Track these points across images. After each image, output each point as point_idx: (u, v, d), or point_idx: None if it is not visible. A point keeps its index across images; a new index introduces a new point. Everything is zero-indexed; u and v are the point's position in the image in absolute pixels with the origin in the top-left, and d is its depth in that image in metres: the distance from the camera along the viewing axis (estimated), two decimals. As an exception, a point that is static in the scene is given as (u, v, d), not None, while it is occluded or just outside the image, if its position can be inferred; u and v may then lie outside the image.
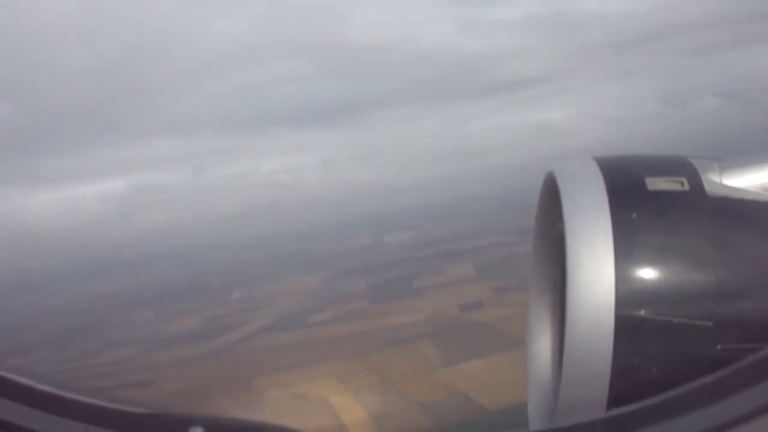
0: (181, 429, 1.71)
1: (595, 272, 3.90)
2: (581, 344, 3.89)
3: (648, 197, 4.13)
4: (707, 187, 4.18)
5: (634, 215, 4.03)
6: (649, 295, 3.92)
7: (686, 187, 4.16)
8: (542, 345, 5.15)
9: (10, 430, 1.83)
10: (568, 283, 3.99)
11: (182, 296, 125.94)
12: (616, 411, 2.28)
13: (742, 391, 1.84)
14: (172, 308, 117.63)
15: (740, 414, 1.78)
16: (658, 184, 4.18)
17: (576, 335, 3.90)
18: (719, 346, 3.86)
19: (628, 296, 3.88)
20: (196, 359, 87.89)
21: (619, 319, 3.86)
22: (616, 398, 3.81)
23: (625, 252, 3.94)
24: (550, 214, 4.66)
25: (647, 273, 3.95)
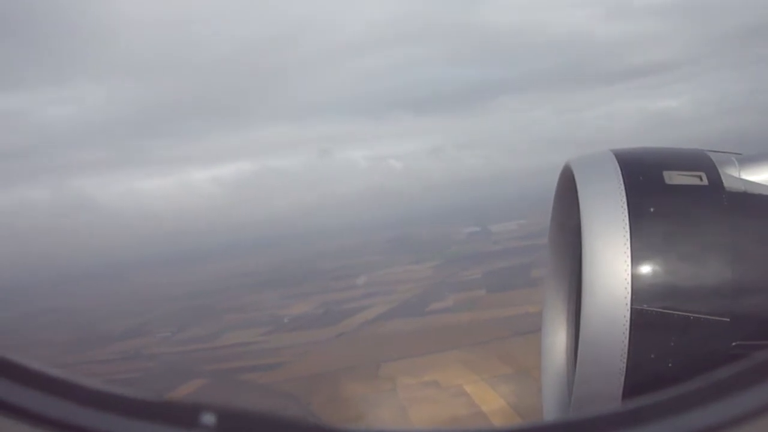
0: (192, 416, 1.70)
1: (611, 266, 3.88)
2: (596, 338, 3.87)
3: (666, 191, 4.09)
4: (725, 182, 4.13)
5: (652, 209, 3.99)
6: (665, 289, 3.87)
7: (704, 181, 4.12)
8: (557, 337, 5.15)
9: (16, 412, 1.77)
10: (583, 276, 3.96)
11: (298, 280, 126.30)
12: (630, 403, 2.04)
13: (757, 387, 1.81)
14: (289, 292, 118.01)
15: (752, 409, 1.76)
16: (676, 178, 4.13)
17: (591, 328, 3.88)
18: (735, 342, 3.82)
19: (643, 290, 3.84)
20: (320, 343, 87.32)
21: (634, 313, 3.82)
22: (630, 392, 3.81)
23: (642, 246, 3.90)
24: (567, 207, 4.63)
25: (664, 267, 3.90)
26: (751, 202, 4.14)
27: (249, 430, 1.76)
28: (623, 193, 4.03)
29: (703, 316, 3.84)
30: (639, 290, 3.85)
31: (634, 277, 3.86)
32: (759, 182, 4.23)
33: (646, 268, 3.88)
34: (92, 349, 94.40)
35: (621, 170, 4.16)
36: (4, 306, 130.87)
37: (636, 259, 3.88)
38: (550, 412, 4.94)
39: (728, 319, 3.83)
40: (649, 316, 3.84)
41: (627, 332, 3.82)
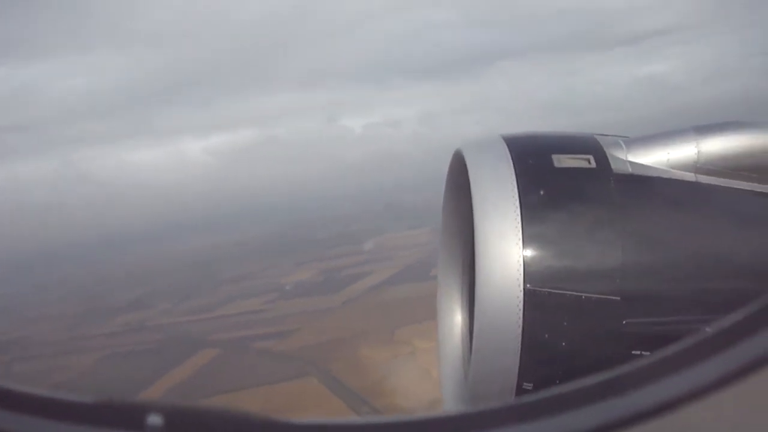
0: (137, 417, 1.68)
1: (503, 248, 3.92)
2: (491, 320, 3.90)
3: (555, 174, 4.14)
4: (613, 164, 4.21)
5: (542, 192, 4.04)
6: (557, 270, 3.94)
7: (592, 164, 4.18)
8: (453, 321, 5.16)
9: None
10: (477, 260, 3.99)
11: (296, 248, 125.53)
12: (531, 397, 2.27)
13: (670, 375, 1.87)
14: (287, 260, 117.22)
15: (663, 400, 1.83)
16: (564, 161, 4.18)
17: (486, 311, 3.91)
18: (626, 320, 3.90)
19: (536, 272, 3.90)
20: (327, 310, 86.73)
21: (527, 294, 3.87)
22: (526, 372, 3.88)
23: (533, 228, 3.95)
24: (459, 192, 4.60)
25: (555, 249, 3.97)
26: (637, 183, 4.23)
27: (197, 427, 1.73)
28: (513, 176, 4.10)
29: (594, 296, 3.91)
30: (531, 272, 3.91)
31: (526, 259, 3.93)
32: (645, 164, 4.32)
33: (537, 250, 3.95)
34: (97, 322, 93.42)
35: (511, 154, 4.22)
36: (7, 281, 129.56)
37: (527, 241, 3.95)
38: (447, 392, 4.97)
39: (619, 298, 3.91)
40: (541, 296, 3.90)
41: (521, 313, 3.88)
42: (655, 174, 4.31)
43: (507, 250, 3.93)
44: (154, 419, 1.64)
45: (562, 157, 4.21)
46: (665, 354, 1.93)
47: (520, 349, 3.88)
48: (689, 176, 4.35)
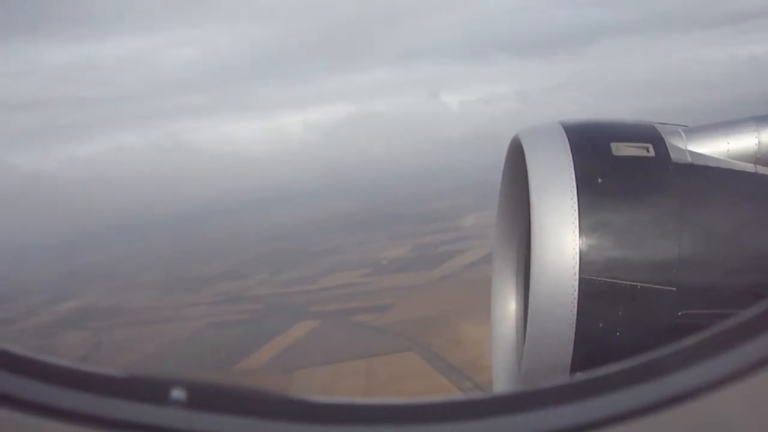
0: (161, 392, 1.75)
1: (559, 237, 3.92)
2: (545, 308, 3.92)
3: (613, 162, 4.15)
4: (672, 154, 4.19)
5: (599, 180, 4.05)
6: (613, 260, 3.94)
7: (651, 152, 4.17)
8: (507, 308, 5.18)
9: None
10: (532, 248, 4.01)
11: (390, 223, 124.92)
12: (583, 375, 2.18)
13: (712, 358, 1.91)
14: (382, 234, 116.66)
15: (707, 381, 1.85)
16: (623, 149, 4.19)
17: (540, 299, 3.93)
18: (681, 312, 3.90)
19: (591, 261, 3.91)
20: (424, 286, 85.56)
21: (582, 283, 3.88)
22: (579, 362, 3.88)
23: (590, 217, 3.96)
24: (516, 179, 4.61)
25: (611, 238, 3.97)
26: (696, 172, 4.17)
27: (218, 403, 1.79)
28: (571, 164, 4.04)
29: (650, 286, 3.87)
30: (587, 260, 3.87)
31: (582, 248, 3.88)
32: (704, 154, 4.24)
33: (593, 239, 3.90)
34: (191, 292, 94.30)
35: (569, 142, 4.15)
36: (101, 248, 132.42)
37: (584, 230, 3.90)
38: (499, 381, 4.91)
39: (674, 289, 3.87)
40: (597, 285, 3.87)
41: (575, 302, 3.84)
42: (714, 164, 4.24)
43: (563, 239, 3.88)
44: (178, 393, 1.72)
45: (620, 145, 4.16)
46: (697, 340, 1.96)
47: (573, 338, 3.84)
48: (749, 167, 4.28)
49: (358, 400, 1.95)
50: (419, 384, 55.85)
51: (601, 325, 3.89)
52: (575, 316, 3.85)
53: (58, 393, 1.73)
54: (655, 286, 3.90)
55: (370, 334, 70.94)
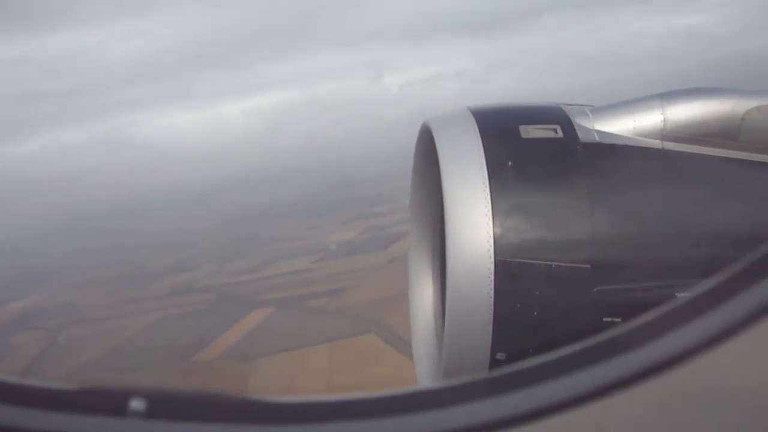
0: (119, 403, 1.68)
1: (473, 221, 3.98)
2: (463, 292, 3.95)
3: (522, 145, 4.20)
4: (580, 134, 4.26)
5: (510, 163, 4.09)
6: (527, 241, 4.01)
7: (559, 134, 4.23)
8: (424, 294, 5.28)
9: None
10: (446, 233, 4.03)
11: (336, 208, 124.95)
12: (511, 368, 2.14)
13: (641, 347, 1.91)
14: (328, 220, 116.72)
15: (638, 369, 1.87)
16: (531, 131, 4.23)
17: (457, 284, 3.97)
18: (596, 288, 3.97)
19: (505, 243, 3.96)
20: (376, 268, 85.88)
21: (498, 265, 3.94)
22: (499, 342, 3.96)
23: (502, 200, 4.01)
24: (427, 165, 4.64)
25: (524, 219, 4.02)
26: (604, 151, 4.26)
27: (179, 410, 1.74)
28: (481, 149, 4.13)
29: (564, 264, 3.96)
30: (501, 243, 3.96)
31: (496, 231, 3.97)
32: (611, 132, 4.35)
33: (506, 221, 3.99)
34: (142, 286, 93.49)
35: (478, 127, 4.26)
36: (47, 247, 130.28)
37: (496, 212, 3.99)
38: (421, 365, 4.99)
39: (589, 266, 3.97)
40: (512, 267, 3.96)
41: (492, 284, 3.92)
42: (621, 142, 4.33)
43: (476, 223, 3.97)
44: (137, 404, 1.66)
45: (529, 128, 4.26)
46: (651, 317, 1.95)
47: (492, 319, 3.93)
48: (656, 143, 4.36)
49: (318, 397, 1.96)
50: (382, 365, 56.17)
51: (518, 305, 3.99)
52: (492, 298, 3.94)
53: (8, 411, 1.67)
54: (569, 265, 3.98)
55: (326, 319, 71.03)
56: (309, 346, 64.06)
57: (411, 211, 5.38)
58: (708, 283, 1.92)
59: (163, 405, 1.71)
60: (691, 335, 1.80)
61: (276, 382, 54.92)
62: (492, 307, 3.94)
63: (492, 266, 3.95)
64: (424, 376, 4.99)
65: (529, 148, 4.22)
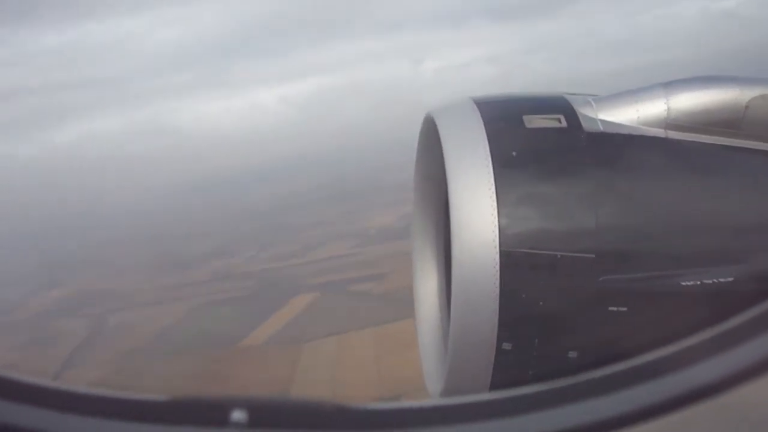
0: (220, 414, 1.68)
1: (478, 211, 3.97)
2: (468, 283, 3.95)
3: (526, 135, 4.19)
4: (583, 123, 4.26)
5: (514, 153, 4.09)
6: (532, 231, 3.99)
7: (563, 123, 4.23)
8: (429, 285, 5.23)
9: None
10: (451, 223, 4.04)
11: (376, 192, 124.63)
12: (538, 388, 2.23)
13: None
14: (364, 204, 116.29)
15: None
16: (535, 121, 4.23)
17: (462, 274, 3.96)
18: (602, 278, 3.96)
19: (511, 233, 3.95)
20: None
21: (503, 255, 3.92)
22: (505, 333, 3.94)
23: (506, 189, 4.00)
24: (431, 157, 4.65)
25: (529, 209, 4.01)
26: (608, 140, 4.23)
27: (281, 420, 1.77)
28: (485, 139, 4.09)
29: (569, 254, 3.93)
30: (506, 233, 3.92)
31: (501, 221, 3.93)
32: (615, 122, 4.32)
33: (511, 211, 3.95)
34: (181, 272, 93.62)
35: (482, 117, 4.22)
36: (86, 234, 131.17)
37: (501, 203, 3.95)
38: (427, 358, 4.93)
39: (593, 256, 3.93)
40: (517, 257, 3.92)
41: (498, 275, 3.89)
42: (625, 131, 4.30)
43: (481, 213, 3.93)
44: (239, 415, 1.66)
45: (532, 117, 4.22)
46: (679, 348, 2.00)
47: (498, 310, 3.89)
48: (659, 132, 4.34)
49: (412, 403, 1.95)
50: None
51: (524, 295, 3.95)
52: (498, 289, 3.90)
53: (100, 426, 1.64)
54: (574, 254, 3.95)
55: (371, 302, 70.78)
56: (356, 330, 63.91)
57: (414, 202, 5.29)
58: (754, 311, 1.90)
59: (265, 414, 1.73)
60: (733, 363, 1.83)
61: (325, 367, 54.69)
62: (498, 297, 3.91)
63: (497, 257, 3.91)
64: (430, 368, 4.88)
65: (533, 137, 4.19)
